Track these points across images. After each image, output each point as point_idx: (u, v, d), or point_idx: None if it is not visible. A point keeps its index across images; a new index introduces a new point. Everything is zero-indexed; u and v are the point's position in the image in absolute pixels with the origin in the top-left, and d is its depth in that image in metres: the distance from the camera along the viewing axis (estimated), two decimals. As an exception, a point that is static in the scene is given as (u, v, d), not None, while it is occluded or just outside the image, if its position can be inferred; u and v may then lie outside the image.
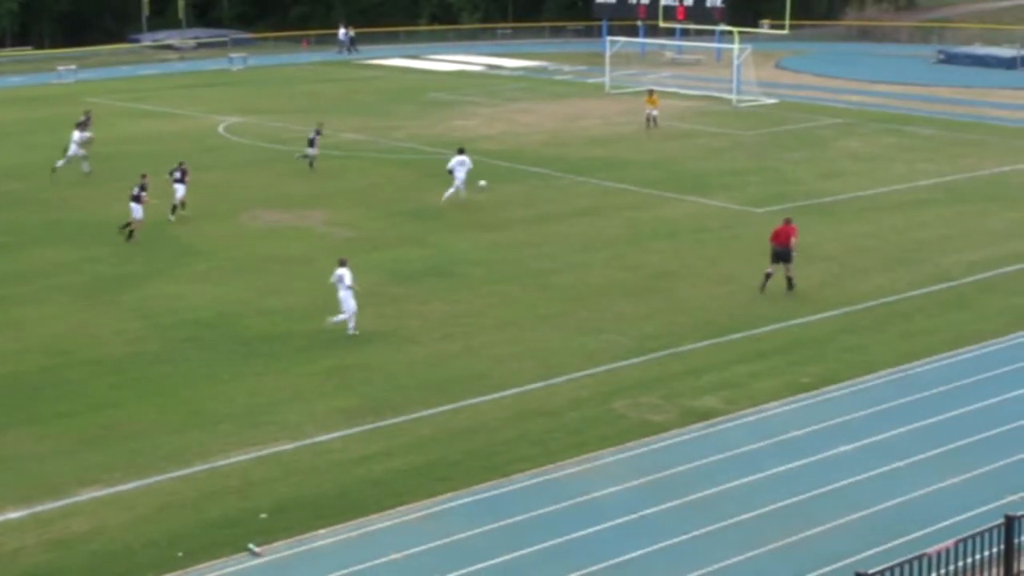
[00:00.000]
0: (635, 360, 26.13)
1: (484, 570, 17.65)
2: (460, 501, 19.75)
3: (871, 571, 14.70)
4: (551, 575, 17.49)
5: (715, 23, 78.31)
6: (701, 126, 56.75)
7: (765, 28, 78.85)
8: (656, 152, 50.39)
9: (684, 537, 18.47)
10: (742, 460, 21.13)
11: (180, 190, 38.74)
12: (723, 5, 77.62)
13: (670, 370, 25.55)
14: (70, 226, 38.37)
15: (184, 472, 20.89)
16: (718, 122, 57.92)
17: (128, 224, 36.01)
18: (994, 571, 15.79)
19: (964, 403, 23.55)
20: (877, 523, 18.75)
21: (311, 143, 45.98)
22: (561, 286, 31.50)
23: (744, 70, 66.63)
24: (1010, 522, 15.72)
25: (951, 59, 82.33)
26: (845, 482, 20.19)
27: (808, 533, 18.52)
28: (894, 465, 20.83)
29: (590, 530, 18.71)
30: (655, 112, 55.88)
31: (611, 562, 17.78)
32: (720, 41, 77.05)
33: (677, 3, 78.67)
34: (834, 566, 17.45)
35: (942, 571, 15.18)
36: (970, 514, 18.64)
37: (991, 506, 18.80)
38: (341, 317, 27.51)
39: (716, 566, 17.62)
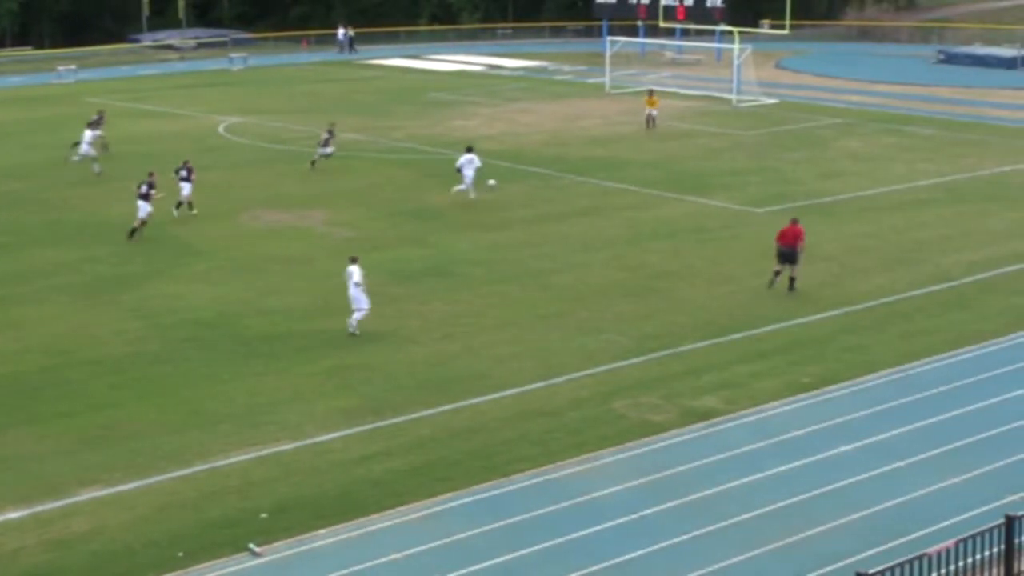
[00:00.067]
0: (635, 360, 26.12)
1: (484, 570, 17.65)
2: (460, 501, 19.75)
3: (871, 571, 14.69)
4: (551, 575, 17.49)
5: (715, 23, 78.32)
6: (701, 126, 56.76)
7: (765, 28, 78.87)
8: (656, 152, 50.39)
9: (684, 537, 18.47)
10: (742, 460, 21.12)
11: (186, 188, 38.89)
12: (723, 5, 77.62)
13: (670, 370, 25.55)
14: (70, 226, 38.37)
15: (184, 472, 20.88)
16: (718, 122, 57.92)
17: (141, 223, 36.07)
18: (994, 571, 15.79)
19: (964, 403, 23.54)
20: (877, 523, 18.75)
21: (325, 143, 46.13)
22: (561, 286, 31.50)
23: (744, 70, 66.63)
24: (1010, 522, 15.72)
25: (951, 59, 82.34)
26: (845, 482, 20.19)
27: (808, 533, 18.52)
28: (894, 465, 20.82)
29: (590, 530, 18.71)
30: (655, 112, 55.90)
31: (611, 562, 17.77)
32: (720, 41, 77.06)
33: (677, 3, 78.68)
34: (834, 566, 17.45)
35: (942, 571, 15.18)
36: (970, 514, 18.64)
37: (991, 506, 18.80)
38: (359, 315, 27.52)
39: (716, 566, 17.61)
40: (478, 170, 40.12)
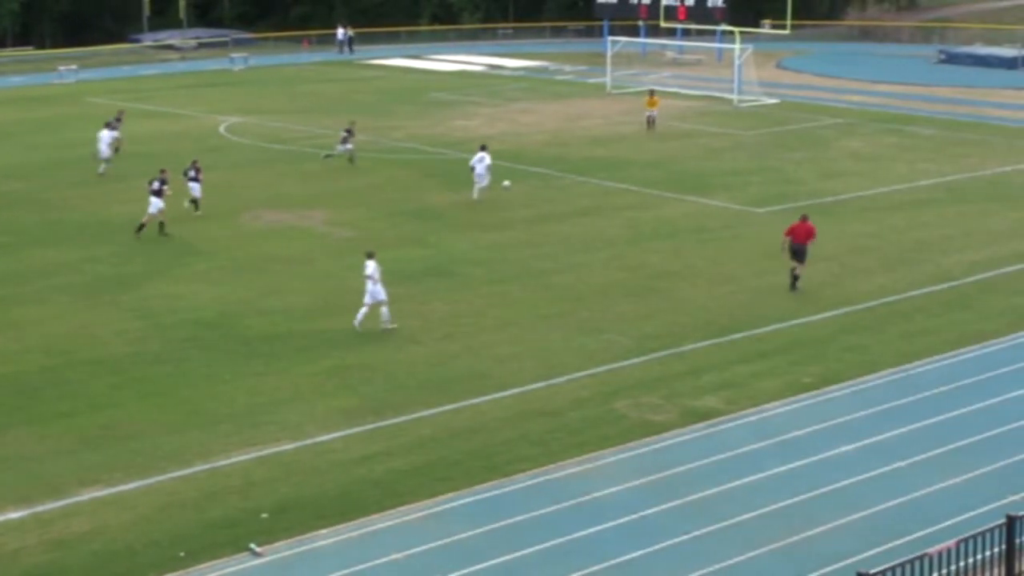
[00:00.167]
0: (636, 360, 26.11)
1: (485, 570, 17.64)
2: (461, 501, 19.74)
3: (872, 571, 14.69)
4: (552, 575, 17.48)
5: (716, 23, 78.29)
6: (702, 126, 56.74)
7: (766, 28, 78.81)
8: (657, 152, 50.38)
9: (685, 537, 18.46)
10: (743, 460, 21.11)
11: (195, 188, 39.01)
12: (724, 5, 77.59)
13: (671, 370, 25.54)
14: (70, 226, 38.37)
15: (185, 472, 20.88)
16: (719, 122, 57.90)
17: (151, 218, 36.10)
18: (995, 571, 15.79)
19: (965, 403, 23.53)
20: (878, 523, 18.74)
21: (344, 140, 46.52)
22: (562, 286, 31.49)
23: (745, 70, 66.61)
24: (1011, 522, 15.71)
25: (952, 59, 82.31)
26: (846, 482, 20.18)
27: (809, 533, 18.51)
28: (895, 465, 20.81)
29: (591, 530, 18.70)
30: (655, 113, 55.86)
31: (612, 562, 17.76)
32: (721, 41, 77.04)
33: (678, 3, 78.64)
34: (835, 566, 17.44)
35: (943, 571, 15.17)
36: (971, 514, 18.63)
37: (992, 506, 18.79)
38: (384, 311, 27.54)
39: (717, 566, 17.60)
40: (490, 169, 40.21)
